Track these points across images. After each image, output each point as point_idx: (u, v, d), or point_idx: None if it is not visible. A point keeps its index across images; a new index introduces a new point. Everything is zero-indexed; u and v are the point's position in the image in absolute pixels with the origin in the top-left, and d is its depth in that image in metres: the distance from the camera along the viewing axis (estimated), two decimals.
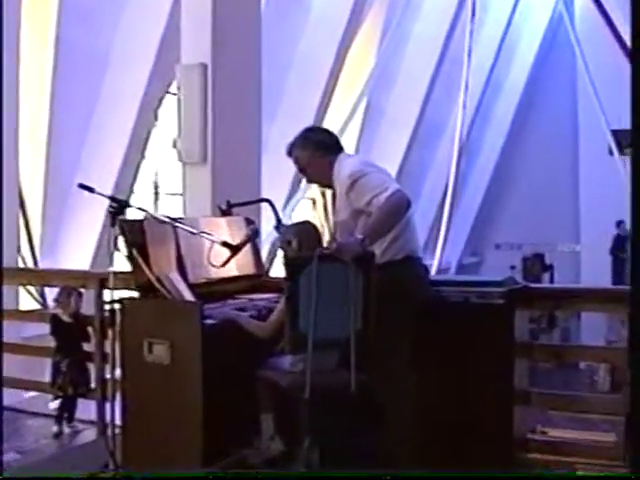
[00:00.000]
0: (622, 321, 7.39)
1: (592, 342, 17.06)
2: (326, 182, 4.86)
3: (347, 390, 4.17)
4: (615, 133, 15.82)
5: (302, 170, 4.90)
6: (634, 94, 3.69)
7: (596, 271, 18.80)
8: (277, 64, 10.11)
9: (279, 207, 9.77)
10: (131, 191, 10.16)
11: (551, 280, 20.31)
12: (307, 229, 4.83)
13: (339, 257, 4.16)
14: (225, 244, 4.78)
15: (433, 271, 12.21)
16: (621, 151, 16.86)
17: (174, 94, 6.75)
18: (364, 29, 12.06)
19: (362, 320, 4.16)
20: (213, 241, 4.79)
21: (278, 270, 5.43)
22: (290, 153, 4.88)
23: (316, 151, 4.79)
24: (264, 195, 6.21)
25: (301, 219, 5.31)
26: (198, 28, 6.45)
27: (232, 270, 5.22)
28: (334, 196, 4.78)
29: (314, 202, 13.71)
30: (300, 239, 4.65)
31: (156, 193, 11.02)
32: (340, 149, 4.86)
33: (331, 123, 11.08)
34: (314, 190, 12.24)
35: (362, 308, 4.16)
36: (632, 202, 3.69)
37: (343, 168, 4.64)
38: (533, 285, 6.03)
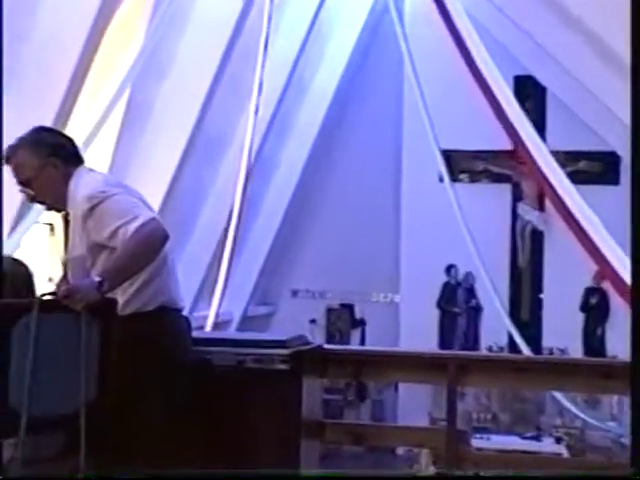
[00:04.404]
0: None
1: (411, 420, 17.63)
2: (59, 203, 4.79)
3: None
4: (446, 154, 16.36)
5: (25, 183, 4.79)
6: (634, 94, 4.18)
7: (419, 328, 19.38)
8: (12, 39, 9.84)
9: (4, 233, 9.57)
10: None
11: (362, 339, 20.73)
12: (14, 271, 4.76)
13: (68, 305, 4.11)
14: None
15: (208, 326, 12.24)
16: (453, 177, 17.51)
17: None
18: (128, 1, 11.97)
19: (97, 389, 4.13)
20: None
21: None
22: (9, 159, 4.76)
23: (50, 158, 4.70)
24: None
25: (10, 257, 5.22)
26: None
27: None
28: (67, 223, 4.72)
29: (52, 229, 13.45)
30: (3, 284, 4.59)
31: None
32: (80, 161, 4.81)
33: (78, 124, 10.93)
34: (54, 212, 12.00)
35: (97, 373, 4.13)
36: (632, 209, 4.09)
37: (81, 187, 4.59)
38: (329, 346, 6.19)
